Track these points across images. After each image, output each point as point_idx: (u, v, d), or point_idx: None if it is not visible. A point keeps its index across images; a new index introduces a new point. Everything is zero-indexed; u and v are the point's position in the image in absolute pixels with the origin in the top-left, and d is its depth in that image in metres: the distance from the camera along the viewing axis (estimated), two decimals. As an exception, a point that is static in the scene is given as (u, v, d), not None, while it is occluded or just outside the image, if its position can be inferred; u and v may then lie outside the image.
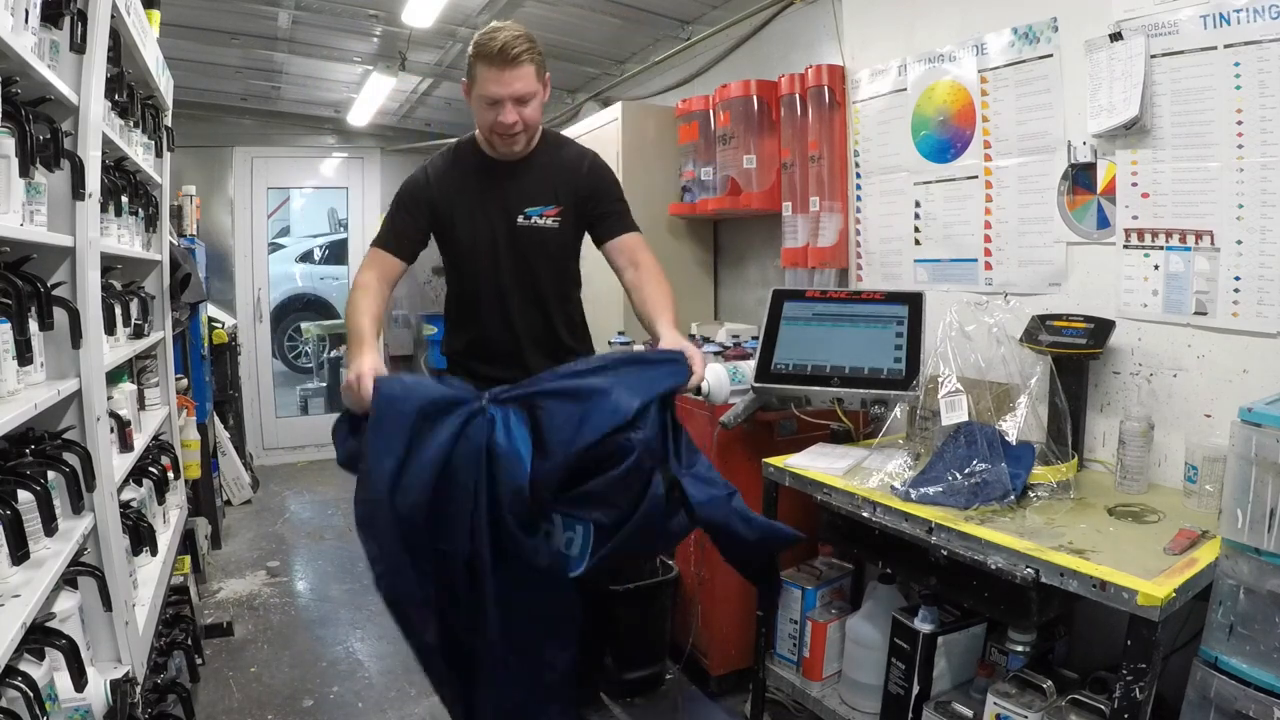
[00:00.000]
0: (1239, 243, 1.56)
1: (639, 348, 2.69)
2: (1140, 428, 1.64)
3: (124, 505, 1.74)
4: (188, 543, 2.73)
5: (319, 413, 5.72)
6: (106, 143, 1.73)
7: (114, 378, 1.85)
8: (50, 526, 1.28)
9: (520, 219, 1.81)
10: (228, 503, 4.14)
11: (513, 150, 1.76)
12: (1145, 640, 1.17)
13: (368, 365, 1.44)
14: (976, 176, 2.09)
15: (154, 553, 1.92)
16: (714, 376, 2.11)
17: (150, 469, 2.07)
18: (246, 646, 2.65)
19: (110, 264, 1.89)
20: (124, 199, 1.99)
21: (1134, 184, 1.73)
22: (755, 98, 2.69)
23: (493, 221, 1.81)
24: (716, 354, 2.33)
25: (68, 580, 1.44)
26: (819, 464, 1.83)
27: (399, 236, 1.80)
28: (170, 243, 2.63)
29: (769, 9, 2.85)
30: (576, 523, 1.39)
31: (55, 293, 1.40)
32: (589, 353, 1.96)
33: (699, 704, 2.25)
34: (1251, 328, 1.54)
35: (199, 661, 2.36)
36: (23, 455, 1.33)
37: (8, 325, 1.26)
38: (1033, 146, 1.94)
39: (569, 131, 3.61)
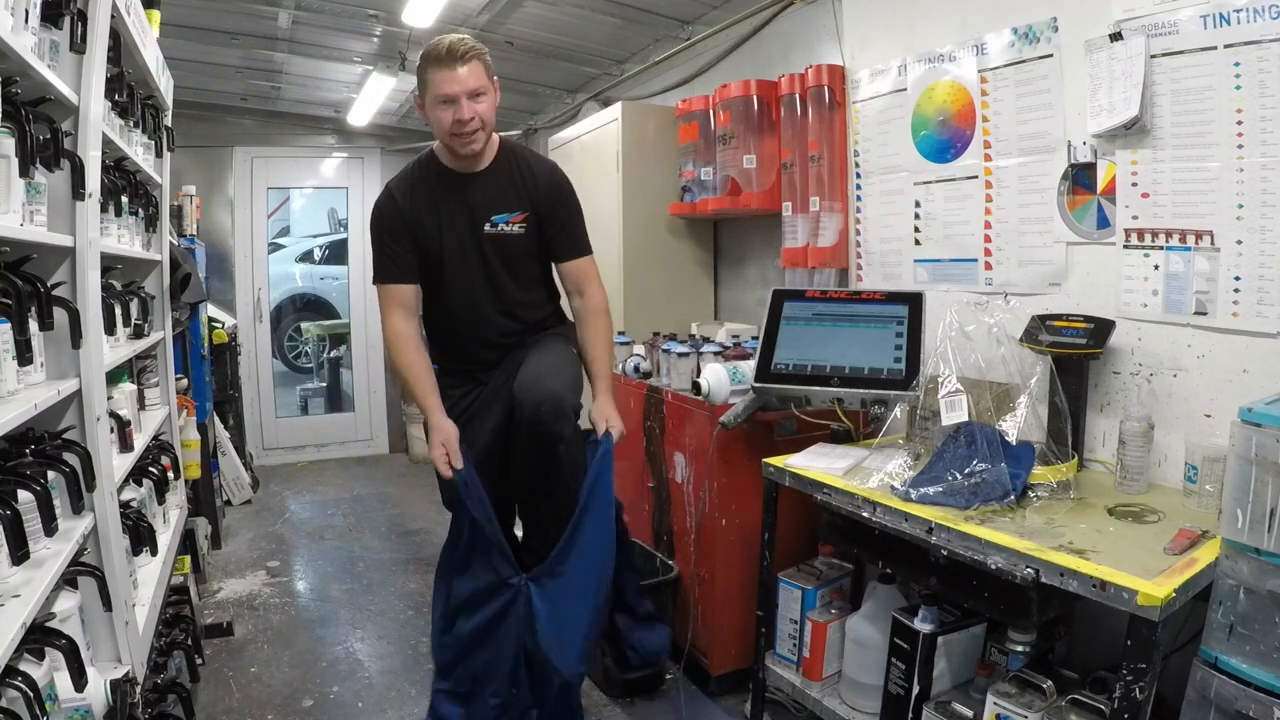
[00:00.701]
0: (1239, 243, 1.56)
1: (639, 349, 2.69)
2: (1140, 428, 1.64)
3: (124, 505, 1.74)
4: (188, 543, 2.73)
5: (319, 413, 5.72)
6: (106, 143, 1.73)
7: (114, 378, 1.85)
8: (50, 526, 1.28)
9: (487, 226, 1.85)
10: (228, 503, 4.14)
11: (471, 150, 1.78)
12: (1145, 640, 1.17)
13: (439, 437, 1.80)
14: (976, 176, 2.09)
15: (154, 553, 1.92)
16: (714, 376, 2.12)
17: (150, 469, 2.07)
18: (246, 646, 2.65)
19: (110, 264, 1.89)
20: (124, 199, 1.99)
21: (1134, 184, 1.73)
22: (755, 98, 2.69)
23: (459, 231, 1.85)
24: (716, 354, 2.33)
25: (68, 580, 1.44)
26: (819, 464, 1.84)
27: (400, 264, 1.86)
28: (170, 243, 2.63)
29: (769, 9, 2.85)
30: None
31: (55, 293, 1.40)
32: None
33: (699, 704, 2.25)
34: (1251, 328, 1.54)
35: (199, 661, 2.36)
36: (23, 455, 1.33)
37: (8, 325, 1.26)
38: (1033, 146, 1.94)
39: (569, 132, 3.62)
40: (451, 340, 2.00)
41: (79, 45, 1.48)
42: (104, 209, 1.75)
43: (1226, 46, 1.53)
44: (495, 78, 1.80)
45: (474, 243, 1.86)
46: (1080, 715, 1.45)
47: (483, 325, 1.94)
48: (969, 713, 1.61)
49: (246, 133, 5.02)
